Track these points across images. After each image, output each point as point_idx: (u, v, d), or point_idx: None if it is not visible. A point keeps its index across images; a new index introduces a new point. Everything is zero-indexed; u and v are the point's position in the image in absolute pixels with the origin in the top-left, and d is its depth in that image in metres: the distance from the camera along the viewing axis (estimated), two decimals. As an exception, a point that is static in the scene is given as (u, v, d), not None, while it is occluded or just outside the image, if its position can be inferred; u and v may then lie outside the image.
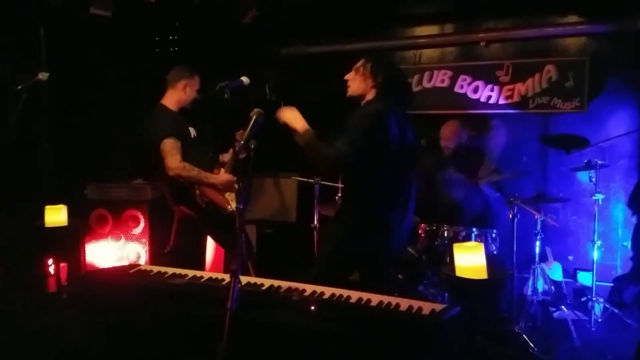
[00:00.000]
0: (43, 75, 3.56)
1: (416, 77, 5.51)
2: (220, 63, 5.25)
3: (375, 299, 2.28)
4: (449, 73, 5.39)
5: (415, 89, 5.50)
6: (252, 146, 2.41)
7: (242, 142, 2.35)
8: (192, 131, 3.87)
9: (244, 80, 3.03)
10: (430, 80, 5.47)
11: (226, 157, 4.10)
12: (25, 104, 3.48)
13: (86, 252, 4.79)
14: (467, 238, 3.96)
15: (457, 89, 5.36)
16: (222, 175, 3.77)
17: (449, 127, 4.64)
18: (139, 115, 3.90)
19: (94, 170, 4.87)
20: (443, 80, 5.41)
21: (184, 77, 3.80)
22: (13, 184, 4.20)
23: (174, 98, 3.80)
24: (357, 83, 2.96)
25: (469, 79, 5.31)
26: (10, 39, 4.48)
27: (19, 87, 3.50)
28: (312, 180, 4.81)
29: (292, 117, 2.83)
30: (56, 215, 3.68)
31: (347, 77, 3.02)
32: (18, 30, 4.53)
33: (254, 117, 2.42)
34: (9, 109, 3.79)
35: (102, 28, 4.64)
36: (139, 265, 3.06)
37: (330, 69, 5.73)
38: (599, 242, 4.27)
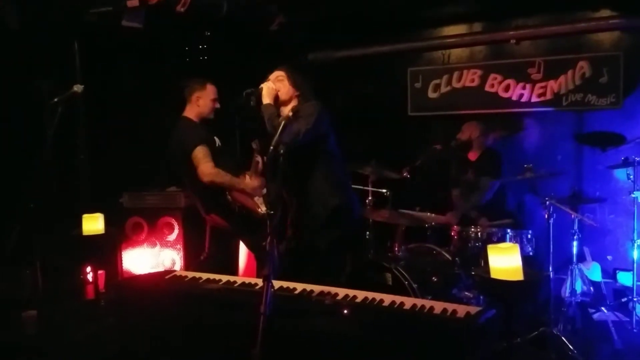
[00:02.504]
0: (78, 88, 3.65)
1: (445, 77, 5.45)
2: (248, 70, 5.29)
3: (408, 302, 2.27)
4: (479, 72, 5.31)
5: (445, 89, 5.45)
6: (282, 151, 2.44)
7: (272, 147, 2.38)
8: (217, 141, 3.92)
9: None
10: (459, 80, 5.40)
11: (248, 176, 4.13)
12: (61, 116, 3.57)
13: (123, 259, 4.90)
14: (501, 239, 3.88)
15: (487, 88, 5.27)
16: (253, 181, 3.82)
17: (468, 126, 4.61)
18: (171, 124, 3.97)
19: (129, 179, 4.97)
20: (473, 80, 5.34)
21: (195, 90, 3.87)
22: (51, 193, 4.31)
23: (192, 111, 3.88)
24: (286, 90, 3.21)
25: (499, 78, 5.23)
26: (47, 55, 4.61)
27: (55, 100, 3.60)
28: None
29: (268, 90, 3.13)
30: (93, 224, 3.75)
31: (272, 84, 3.21)
32: (54, 46, 4.67)
33: (283, 122, 2.44)
34: (46, 122, 3.90)
35: (134, 40, 4.74)
36: (174, 271, 3.11)
37: (358, 73, 5.82)
38: (638, 241, 4.14)
